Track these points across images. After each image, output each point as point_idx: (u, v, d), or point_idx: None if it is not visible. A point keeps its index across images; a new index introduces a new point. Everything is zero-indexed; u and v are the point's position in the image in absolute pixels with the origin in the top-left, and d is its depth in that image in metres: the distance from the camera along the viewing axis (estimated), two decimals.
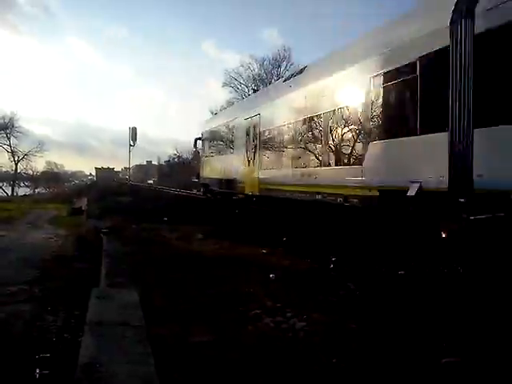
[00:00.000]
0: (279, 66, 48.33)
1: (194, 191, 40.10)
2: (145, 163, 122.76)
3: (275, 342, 3.62)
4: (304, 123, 11.42)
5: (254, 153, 14.89)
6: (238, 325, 4.01)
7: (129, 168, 49.14)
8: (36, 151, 68.94)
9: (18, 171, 68.83)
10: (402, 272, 6.35)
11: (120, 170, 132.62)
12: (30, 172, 71.09)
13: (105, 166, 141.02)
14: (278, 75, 47.64)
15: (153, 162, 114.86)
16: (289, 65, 47.79)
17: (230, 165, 17.53)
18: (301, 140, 11.59)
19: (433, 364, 3.21)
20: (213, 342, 3.56)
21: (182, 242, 9.17)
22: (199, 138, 24.37)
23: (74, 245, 9.03)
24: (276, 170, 13.17)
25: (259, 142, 14.45)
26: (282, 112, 12.94)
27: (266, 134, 13.98)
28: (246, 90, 49.00)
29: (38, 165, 74.31)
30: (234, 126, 17.30)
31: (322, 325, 4.05)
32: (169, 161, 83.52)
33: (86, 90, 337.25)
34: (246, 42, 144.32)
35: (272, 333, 3.85)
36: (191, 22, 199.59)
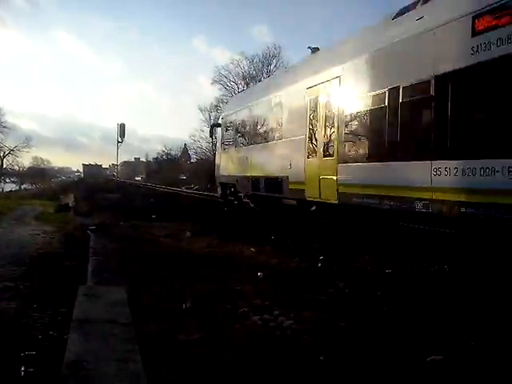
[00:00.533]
0: (269, 64, 48.26)
1: (183, 188, 40.10)
2: (133, 160, 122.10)
3: (263, 339, 3.63)
4: (462, 80, 6.83)
5: (328, 138, 10.00)
6: (226, 323, 4.01)
7: (116, 165, 48.94)
8: (23, 146, 68.16)
9: (4, 167, 67.96)
10: (390, 271, 6.40)
11: (108, 166, 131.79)
12: (16, 168, 70.30)
13: (92, 163, 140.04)
14: (267, 73, 47.57)
15: (141, 159, 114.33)
16: (279, 63, 47.72)
17: (274, 157, 12.76)
18: (450, 112, 6.91)
19: (419, 361, 3.24)
20: (201, 340, 3.56)
21: (171, 239, 9.13)
22: (217, 125, 19.37)
23: (61, 242, 8.94)
24: (377, 164, 8.36)
25: (339, 120, 9.57)
26: (401, 66, 8.05)
27: (357, 106, 9.14)
28: (236, 88, 48.87)
29: (25, 160, 73.55)
30: (282, 102, 12.45)
31: (310, 323, 4.06)
32: (157, 158, 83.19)
33: (75, 86, 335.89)
34: (237, 38, 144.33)
35: (260, 331, 3.85)
36: (182, 17, 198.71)
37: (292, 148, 11.68)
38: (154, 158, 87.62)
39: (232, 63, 50.02)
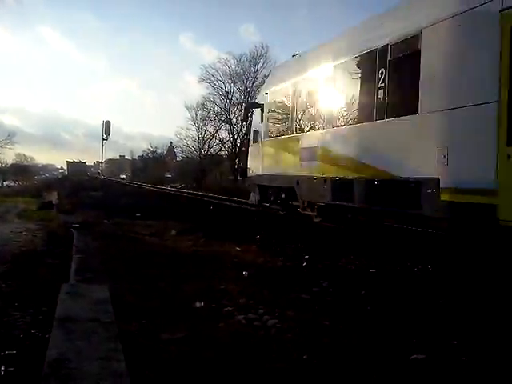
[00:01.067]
0: (256, 64, 48.18)
1: (168, 187, 39.95)
2: (118, 157, 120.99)
3: (247, 339, 3.63)
4: None
5: None
6: (210, 322, 4.00)
7: (101, 162, 48.46)
8: (5, 143, 67.14)
9: None
10: (373, 270, 6.45)
11: (92, 164, 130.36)
12: None
13: (77, 160, 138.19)
14: (255, 72, 47.56)
15: (126, 157, 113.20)
16: (266, 62, 47.69)
17: (392, 145, 8.16)
18: None
19: (402, 360, 3.27)
20: (184, 339, 3.54)
21: (156, 238, 9.09)
22: (254, 106, 14.35)
23: (43, 239, 8.81)
24: None
25: None
26: None
27: None
28: (223, 86, 48.75)
29: (7, 157, 72.46)
30: (417, 48, 7.56)
31: (294, 322, 4.08)
32: (142, 156, 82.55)
33: (60, 83, 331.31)
34: (224, 36, 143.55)
35: (244, 330, 3.85)
36: (168, 14, 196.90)
37: (450, 127, 7.03)
38: (139, 156, 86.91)
39: (219, 62, 49.84)
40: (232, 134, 48.89)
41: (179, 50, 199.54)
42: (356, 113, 9.31)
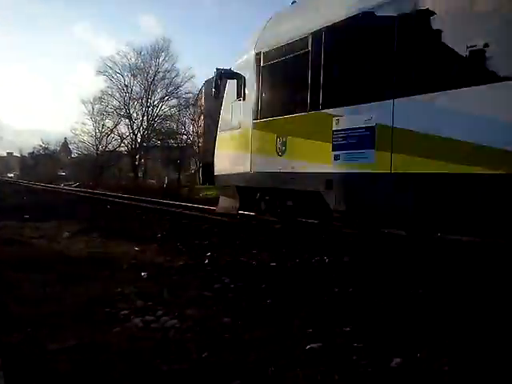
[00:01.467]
0: (158, 57, 47.17)
1: (62, 185, 37.62)
2: (5, 155, 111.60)
3: (144, 342, 3.49)
4: None
5: None
6: (105, 327, 3.79)
7: None
8: None
9: None
10: (274, 264, 6.60)
11: None
12: None
13: None
14: (156, 66, 46.59)
15: (14, 154, 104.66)
16: (168, 56, 46.91)
17: None
18: None
19: (299, 350, 3.36)
20: (75, 348, 3.31)
21: (45, 240, 8.46)
22: (233, 75, 10.07)
23: None
24: None
25: None
26: None
27: None
28: (122, 80, 47.08)
29: None
30: None
31: (194, 320, 4.01)
32: (33, 153, 76.96)
33: None
34: (123, 27, 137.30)
35: (141, 333, 3.70)
36: (61, 1, 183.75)
37: None
38: (29, 153, 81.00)
39: (118, 54, 48.08)
40: (132, 129, 47.53)
41: (75, 41, 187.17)
42: (484, 65, 5.32)
